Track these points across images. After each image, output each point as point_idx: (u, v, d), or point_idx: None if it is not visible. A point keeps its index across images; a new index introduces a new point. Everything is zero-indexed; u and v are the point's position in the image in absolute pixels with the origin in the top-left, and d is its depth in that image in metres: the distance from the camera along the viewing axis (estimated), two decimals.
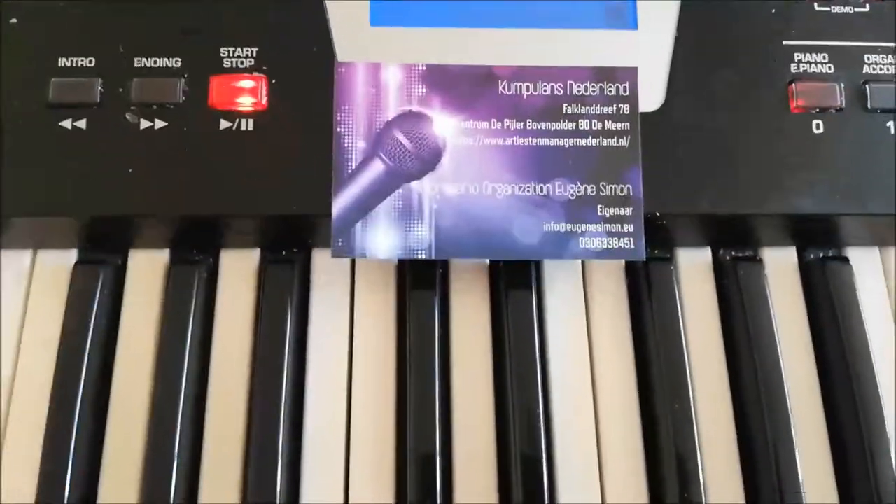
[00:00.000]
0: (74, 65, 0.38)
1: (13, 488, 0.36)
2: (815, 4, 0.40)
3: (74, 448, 0.36)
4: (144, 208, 0.38)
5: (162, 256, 0.40)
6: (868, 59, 0.40)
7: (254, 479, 0.36)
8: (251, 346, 0.39)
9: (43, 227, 0.39)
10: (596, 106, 0.38)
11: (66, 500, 0.35)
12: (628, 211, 0.38)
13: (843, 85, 0.40)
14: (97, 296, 0.39)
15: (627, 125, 0.38)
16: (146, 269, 0.40)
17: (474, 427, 0.38)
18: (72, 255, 0.40)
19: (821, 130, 0.39)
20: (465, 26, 0.40)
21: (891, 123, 0.39)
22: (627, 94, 0.38)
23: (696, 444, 0.37)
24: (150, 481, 0.36)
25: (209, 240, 0.40)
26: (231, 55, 0.39)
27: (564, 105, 0.38)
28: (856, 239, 0.41)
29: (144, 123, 0.38)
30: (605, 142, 0.38)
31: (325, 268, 0.40)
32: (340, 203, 0.37)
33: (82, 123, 0.38)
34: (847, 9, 0.40)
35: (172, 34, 0.39)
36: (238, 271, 0.40)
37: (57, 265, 0.40)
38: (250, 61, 0.39)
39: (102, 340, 0.38)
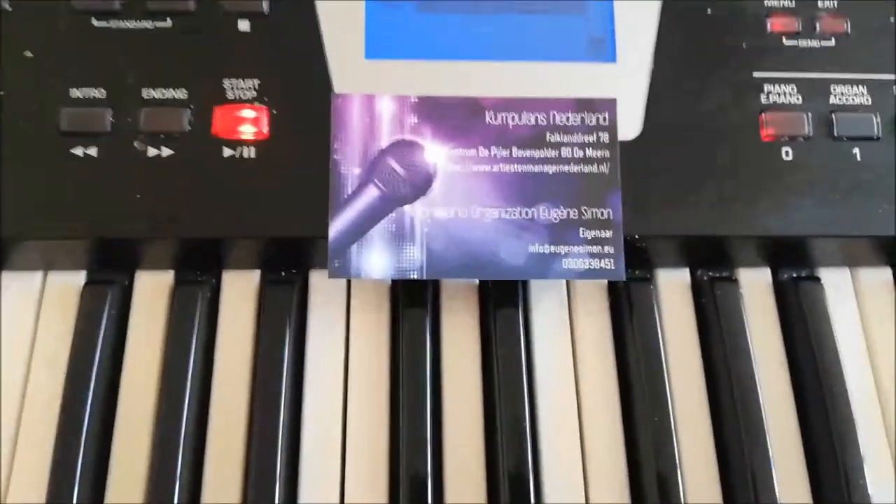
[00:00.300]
0: (86, 95, 0.40)
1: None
2: (784, 38, 0.43)
3: (82, 465, 0.37)
4: (151, 231, 0.39)
5: (167, 277, 0.42)
6: (834, 89, 0.42)
7: (253, 495, 0.37)
8: (251, 362, 0.40)
9: (54, 248, 0.40)
10: (577, 135, 0.40)
11: None
12: (609, 233, 0.40)
13: (810, 114, 0.42)
14: (105, 314, 0.40)
15: (607, 153, 0.40)
16: (152, 289, 0.42)
17: (464, 441, 0.39)
18: (80, 276, 0.42)
19: (790, 157, 0.41)
20: (455, 59, 0.42)
21: (856, 150, 0.41)
22: (607, 123, 0.40)
23: (676, 456, 0.39)
24: (154, 497, 0.37)
25: (212, 261, 0.42)
26: (234, 87, 0.41)
27: (548, 134, 0.40)
28: (827, 260, 0.43)
29: (152, 151, 0.40)
30: (587, 168, 0.40)
31: (322, 288, 0.42)
32: (337, 226, 0.39)
33: (93, 151, 0.40)
34: (814, 42, 0.43)
35: (179, 67, 0.41)
36: (239, 291, 0.42)
37: (66, 285, 0.42)
38: (252, 92, 0.41)
39: (110, 357, 0.40)
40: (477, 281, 0.43)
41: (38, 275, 0.42)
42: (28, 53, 0.41)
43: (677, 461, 0.39)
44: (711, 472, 0.39)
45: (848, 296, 0.43)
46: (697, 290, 0.43)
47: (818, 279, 0.43)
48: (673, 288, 0.43)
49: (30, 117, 0.40)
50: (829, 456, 0.39)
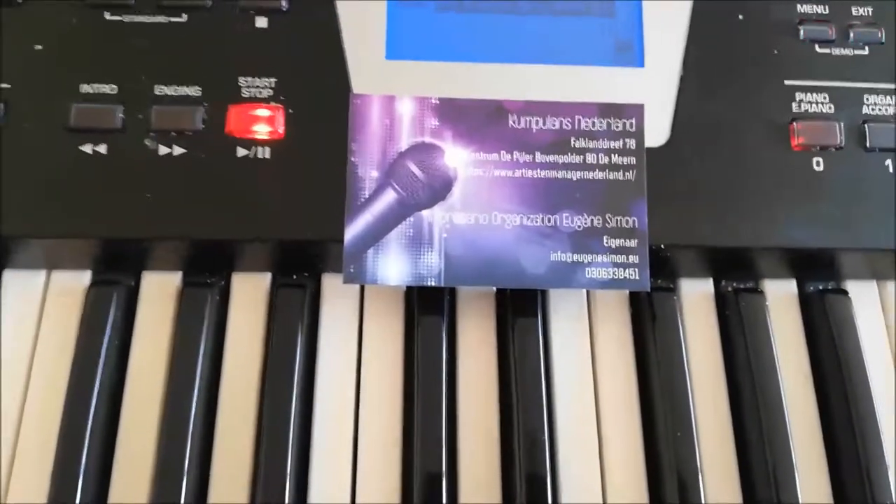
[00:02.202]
0: (97, 91, 0.39)
1: None
2: (817, 46, 0.42)
3: (85, 468, 0.36)
4: (162, 232, 0.38)
5: (174, 278, 0.41)
6: (867, 99, 0.41)
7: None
8: (261, 368, 0.39)
9: (59, 247, 0.39)
10: (603, 140, 0.39)
11: None
12: (633, 242, 0.39)
13: (842, 124, 0.41)
14: (111, 316, 0.39)
15: (634, 160, 0.39)
16: (159, 291, 0.41)
17: (480, 451, 0.38)
18: (85, 276, 0.41)
19: (821, 168, 0.40)
20: (477, 61, 0.41)
21: (889, 162, 0.41)
22: (634, 129, 0.39)
23: (699, 472, 0.38)
24: (159, 497, 0.36)
25: (221, 263, 0.41)
26: (250, 85, 0.40)
27: (572, 139, 0.39)
28: (854, 272, 0.42)
29: (163, 150, 0.39)
30: (612, 175, 0.39)
31: (335, 292, 0.41)
32: (353, 230, 0.38)
33: (102, 148, 0.39)
34: (847, 51, 0.42)
35: (193, 63, 0.40)
36: (249, 294, 0.41)
37: (70, 285, 0.40)
38: (268, 91, 0.40)
39: (114, 360, 0.39)
40: (494, 288, 0.41)
41: (42, 274, 0.41)
42: (38, 46, 0.40)
43: (700, 477, 0.38)
44: (735, 489, 0.38)
45: (875, 310, 0.42)
46: (721, 301, 0.42)
47: (845, 292, 0.42)
48: (696, 299, 0.42)
49: (38, 112, 0.39)
50: (855, 472, 0.38)
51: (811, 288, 0.42)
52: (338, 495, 0.37)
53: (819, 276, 0.42)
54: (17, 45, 0.40)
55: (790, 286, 0.43)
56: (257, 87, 0.40)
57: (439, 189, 0.39)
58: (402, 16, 0.41)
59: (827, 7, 0.42)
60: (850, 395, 0.39)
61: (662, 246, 0.39)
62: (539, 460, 0.37)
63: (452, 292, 0.41)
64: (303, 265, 0.41)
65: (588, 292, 0.42)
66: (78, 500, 0.36)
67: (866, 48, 0.42)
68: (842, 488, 0.39)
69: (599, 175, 0.39)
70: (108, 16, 0.40)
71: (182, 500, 0.36)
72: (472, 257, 0.38)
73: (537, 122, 0.39)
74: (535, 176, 0.39)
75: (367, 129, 0.39)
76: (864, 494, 0.38)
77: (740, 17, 0.42)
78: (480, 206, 0.39)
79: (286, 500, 0.36)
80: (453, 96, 0.39)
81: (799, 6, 0.42)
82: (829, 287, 0.42)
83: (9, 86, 0.39)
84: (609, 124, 0.39)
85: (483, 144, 0.39)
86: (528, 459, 0.37)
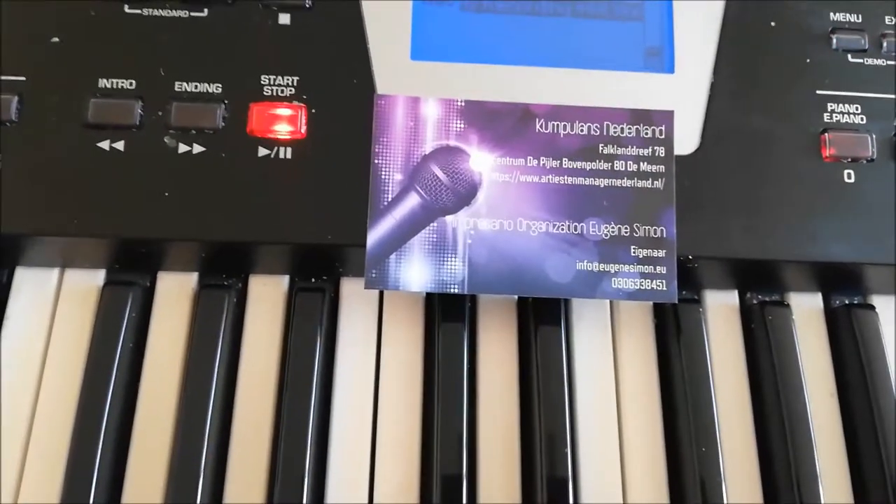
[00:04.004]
0: (115, 86, 0.39)
1: None
2: (849, 56, 0.41)
3: (98, 469, 0.36)
4: (179, 232, 0.38)
5: (190, 279, 0.40)
6: None
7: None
8: (277, 372, 0.39)
9: (73, 246, 0.39)
10: (632, 147, 0.38)
11: None
12: (661, 253, 0.38)
13: (874, 136, 0.40)
14: (126, 317, 0.38)
15: (663, 167, 0.38)
16: (175, 292, 0.40)
17: (499, 460, 0.38)
18: (99, 275, 0.40)
19: (852, 180, 0.40)
20: (505, 63, 0.40)
21: None
22: (663, 136, 0.39)
23: (723, 487, 0.37)
24: (174, 500, 0.35)
25: (239, 265, 0.40)
26: (272, 83, 0.39)
27: (601, 145, 0.38)
28: (881, 287, 0.42)
29: (183, 148, 0.38)
30: (640, 183, 0.38)
31: (354, 296, 0.40)
32: (375, 235, 0.37)
33: (120, 145, 0.38)
34: (880, 61, 0.41)
35: (214, 60, 0.39)
36: (267, 297, 0.40)
37: (85, 285, 0.40)
38: (291, 90, 0.39)
39: (129, 362, 0.38)
40: (516, 296, 0.41)
41: (55, 272, 0.40)
42: (55, 39, 0.39)
43: (724, 490, 0.37)
44: (758, 502, 0.38)
45: None
46: (746, 313, 0.41)
47: (872, 307, 0.42)
48: (721, 311, 0.41)
49: (54, 107, 0.38)
50: (880, 487, 0.38)
51: (837, 302, 0.42)
52: (356, 501, 0.37)
53: (845, 290, 0.42)
54: (33, 38, 0.39)
55: (816, 300, 0.42)
56: (279, 85, 0.39)
57: (464, 194, 0.38)
58: (428, 16, 0.40)
59: (860, 16, 0.42)
60: (876, 411, 0.39)
61: (690, 256, 0.38)
62: (560, 468, 0.37)
63: (473, 299, 0.41)
64: (322, 269, 0.40)
65: (611, 302, 0.41)
66: (91, 502, 0.35)
67: None
68: (867, 502, 0.38)
69: (627, 183, 0.38)
70: (127, 8, 0.39)
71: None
72: (496, 265, 0.37)
73: (565, 127, 0.39)
74: (562, 182, 0.38)
75: (390, 130, 0.38)
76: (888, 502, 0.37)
77: (773, 24, 0.41)
78: (506, 213, 0.38)
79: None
80: (479, 99, 0.39)
81: (832, 14, 0.41)
82: (856, 301, 0.42)
83: (24, 79, 0.38)
84: (638, 131, 0.39)
85: (509, 149, 0.38)
86: (550, 468, 0.37)
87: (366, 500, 0.37)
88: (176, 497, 0.35)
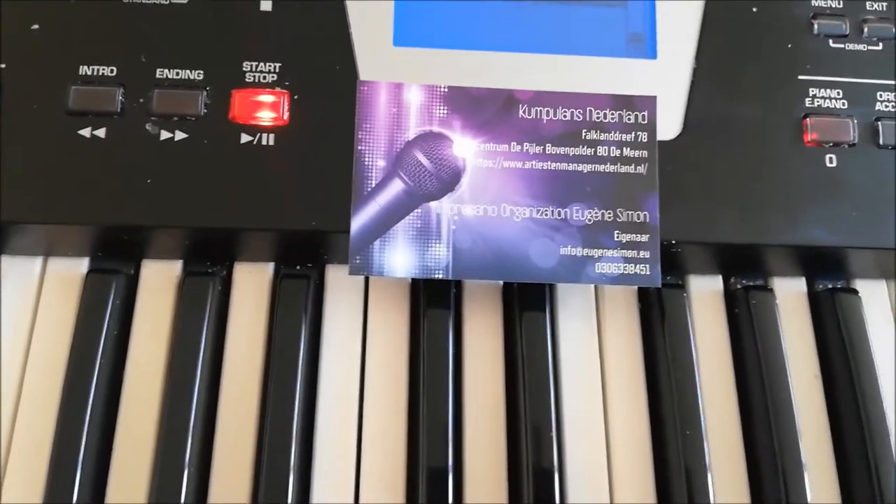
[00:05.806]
0: (96, 73, 0.38)
1: (18, 498, 0.36)
2: (830, 41, 0.41)
3: (82, 463, 0.36)
4: (162, 219, 0.37)
5: (174, 267, 0.40)
6: (881, 96, 0.41)
7: (264, 496, 0.35)
8: (263, 358, 0.39)
9: (56, 234, 0.39)
10: (615, 133, 0.39)
11: None
12: (644, 238, 0.38)
13: (856, 121, 0.40)
14: (110, 305, 0.38)
15: (645, 153, 0.39)
16: (159, 280, 0.40)
17: (485, 445, 0.38)
18: (83, 264, 0.40)
19: (833, 164, 0.40)
20: (488, 49, 0.40)
21: None
22: (646, 122, 0.39)
23: (707, 469, 0.37)
24: (159, 497, 0.35)
25: (223, 252, 0.40)
26: (254, 69, 0.39)
27: (583, 131, 0.39)
28: (864, 271, 0.42)
29: (164, 135, 0.38)
30: (623, 168, 0.38)
31: (339, 283, 0.40)
32: (359, 221, 0.37)
33: (101, 132, 0.38)
34: (861, 46, 0.41)
35: (196, 46, 0.39)
36: (251, 284, 0.40)
37: (68, 273, 0.40)
38: (273, 76, 0.39)
39: (113, 350, 0.38)
40: (501, 281, 0.41)
41: (38, 261, 0.40)
42: (35, 26, 0.39)
43: (708, 474, 0.37)
44: (743, 487, 0.38)
45: (884, 309, 0.42)
46: (730, 298, 0.42)
47: (855, 290, 0.42)
48: (705, 296, 0.41)
49: (34, 94, 0.38)
50: (864, 472, 0.38)
51: (820, 286, 0.42)
52: (341, 489, 0.37)
53: (829, 274, 0.42)
54: (14, 24, 0.38)
55: (799, 284, 0.42)
56: (262, 71, 0.39)
57: (448, 180, 0.38)
58: (411, 2, 0.40)
59: (841, 2, 0.42)
60: (860, 394, 0.39)
61: (673, 241, 0.38)
62: (546, 455, 0.37)
63: (458, 285, 0.41)
64: (306, 255, 0.40)
65: (596, 287, 0.41)
66: (76, 494, 0.35)
67: (880, 44, 0.41)
68: (850, 488, 0.38)
69: (610, 168, 0.38)
70: None
71: (182, 494, 0.35)
72: (480, 250, 0.38)
73: (548, 112, 0.39)
74: (546, 168, 0.38)
75: (374, 116, 0.38)
76: (873, 494, 0.37)
77: (754, 9, 0.41)
78: (489, 198, 0.38)
79: (289, 494, 0.35)
80: (462, 85, 0.38)
81: (813, 0, 0.42)
82: (839, 286, 0.42)
83: (4, 66, 0.38)
84: (621, 116, 0.39)
85: (493, 135, 0.38)
86: (535, 454, 0.37)
87: (352, 491, 0.37)
88: (160, 490, 0.35)
